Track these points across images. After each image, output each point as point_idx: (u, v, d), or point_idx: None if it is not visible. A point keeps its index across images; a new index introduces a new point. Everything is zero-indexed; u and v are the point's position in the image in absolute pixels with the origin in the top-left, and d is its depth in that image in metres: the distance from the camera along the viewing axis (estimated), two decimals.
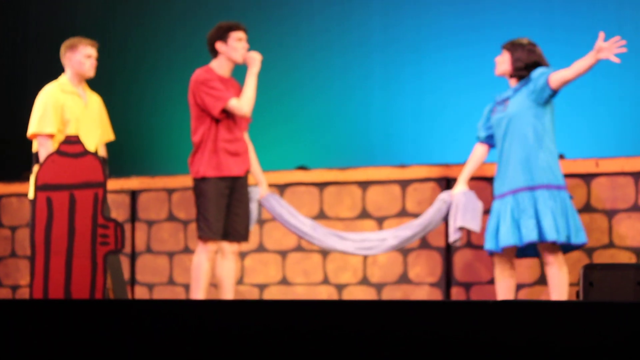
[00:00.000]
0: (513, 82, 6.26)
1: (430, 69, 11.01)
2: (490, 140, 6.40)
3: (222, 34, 6.42)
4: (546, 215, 5.97)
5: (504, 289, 6.22)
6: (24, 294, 7.95)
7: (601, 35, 5.88)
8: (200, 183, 6.36)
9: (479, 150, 6.43)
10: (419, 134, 11.02)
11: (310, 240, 6.58)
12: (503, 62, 6.28)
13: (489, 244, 6.13)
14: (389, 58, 11.09)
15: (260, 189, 6.61)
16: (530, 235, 5.98)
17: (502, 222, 6.09)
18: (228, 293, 6.44)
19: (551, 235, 5.94)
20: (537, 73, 6.11)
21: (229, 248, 6.43)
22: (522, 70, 6.19)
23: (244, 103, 6.34)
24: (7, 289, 8.09)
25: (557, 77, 6.00)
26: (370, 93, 10.85)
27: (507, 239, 6.04)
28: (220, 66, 6.44)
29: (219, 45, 6.41)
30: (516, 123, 6.14)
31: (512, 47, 6.27)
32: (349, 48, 11.09)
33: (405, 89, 10.78)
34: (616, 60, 5.85)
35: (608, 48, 5.85)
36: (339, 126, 10.96)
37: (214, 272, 6.45)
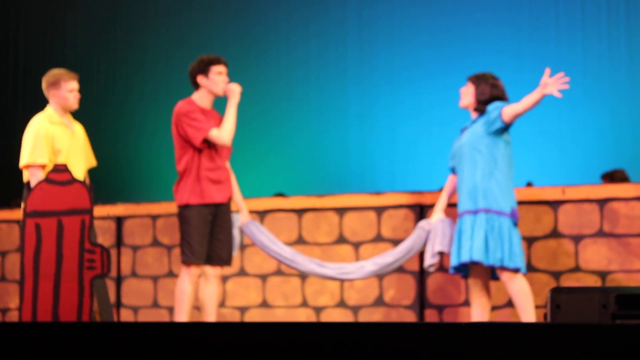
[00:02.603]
0: (474, 114, 6.33)
1: (404, 100, 11.06)
2: None
3: (203, 68, 6.43)
4: (478, 237, 6.03)
5: (478, 311, 6.23)
6: (13, 316, 7.91)
7: (547, 71, 5.95)
8: (184, 210, 6.36)
9: (451, 180, 6.48)
10: (393, 162, 11.06)
11: (290, 265, 6.58)
12: (467, 95, 6.34)
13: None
14: (365, 90, 11.14)
15: (241, 216, 6.61)
16: (465, 255, 6.05)
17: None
18: (210, 315, 6.43)
19: (477, 255, 6.00)
20: (493, 106, 6.19)
21: (212, 272, 6.42)
22: (484, 105, 6.26)
23: (224, 133, 6.35)
24: None
25: (508, 110, 6.08)
26: (346, 123, 10.89)
27: (452, 259, 6.17)
28: (201, 98, 6.45)
29: (200, 79, 6.42)
30: (468, 151, 6.22)
31: (477, 80, 6.33)
32: (325, 81, 11.14)
33: (380, 120, 10.84)
34: (558, 95, 5.92)
35: (552, 84, 5.93)
36: (317, 155, 10.98)
37: (197, 295, 6.44)
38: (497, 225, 6.07)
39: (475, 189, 6.14)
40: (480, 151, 6.18)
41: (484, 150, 6.18)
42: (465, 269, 6.25)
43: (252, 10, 11.60)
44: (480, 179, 6.15)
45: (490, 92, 6.27)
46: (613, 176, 8.46)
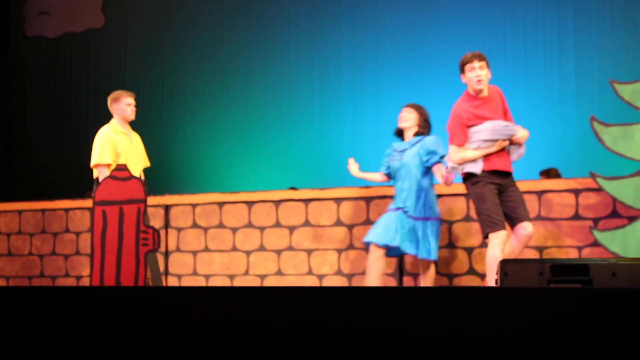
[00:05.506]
0: (410, 137, 6.34)
1: (389, 111, 11.04)
2: (389, 174, 6.48)
3: (461, 67, 5.77)
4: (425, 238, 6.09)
5: (375, 275, 6.19)
6: (85, 282, 7.93)
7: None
8: None
9: (379, 176, 6.52)
10: (380, 163, 11.04)
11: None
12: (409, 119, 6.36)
13: (382, 239, 6.11)
14: (357, 104, 11.13)
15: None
16: (409, 249, 6.11)
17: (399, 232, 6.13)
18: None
19: (422, 253, 6.08)
20: (434, 145, 6.18)
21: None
22: (425, 129, 6.31)
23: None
24: (72, 279, 8.07)
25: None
26: (342, 132, 10.89)
27: (407, 248, 6.10)
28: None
29: (462, 77, 5.77)
30: (409, 169, 6.23)
31: (418, 107, 6.42)
32: (325, 96, 11.12)
33: (370, 129, 10.83)
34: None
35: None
36: (321, 156, 10.97)
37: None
38: (435, 228, 6.17)
39: (420, 198, 6.17)
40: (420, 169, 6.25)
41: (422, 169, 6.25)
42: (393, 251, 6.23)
43: (269, 28, 11.54)
44: (424, 190, 6.19)
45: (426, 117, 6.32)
46: (549, 173, 8.47)
